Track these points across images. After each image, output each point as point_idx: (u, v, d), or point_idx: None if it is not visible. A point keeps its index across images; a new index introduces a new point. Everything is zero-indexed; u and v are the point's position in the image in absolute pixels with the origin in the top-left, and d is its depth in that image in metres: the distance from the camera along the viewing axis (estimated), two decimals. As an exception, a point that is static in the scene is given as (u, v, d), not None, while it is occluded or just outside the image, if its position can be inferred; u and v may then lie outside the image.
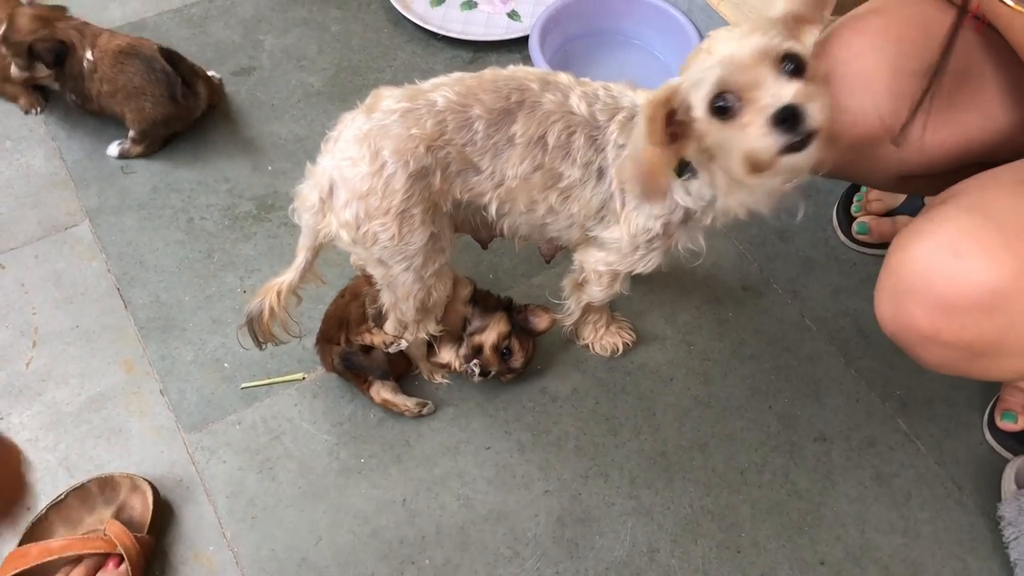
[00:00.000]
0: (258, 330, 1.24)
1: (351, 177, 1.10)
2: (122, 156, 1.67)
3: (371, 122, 1.10)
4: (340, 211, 1.12)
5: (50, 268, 1.52)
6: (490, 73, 1.16)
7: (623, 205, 1.18)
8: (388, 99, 1.12)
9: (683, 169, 1.11)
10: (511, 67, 1.18)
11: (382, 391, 1.34)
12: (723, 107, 0.97)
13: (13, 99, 1.74)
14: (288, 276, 1.24)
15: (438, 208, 1.14)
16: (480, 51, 1.88)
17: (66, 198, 1.61)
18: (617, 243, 1.22)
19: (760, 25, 0.98)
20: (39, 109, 1.73)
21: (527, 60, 1.78)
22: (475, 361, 1.34)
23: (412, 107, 1.10)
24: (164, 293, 1.50)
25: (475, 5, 1.95)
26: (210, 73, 1.75)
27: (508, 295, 1.41)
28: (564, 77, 1.17)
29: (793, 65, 0.96)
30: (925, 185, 1.26)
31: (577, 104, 1.13)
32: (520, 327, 1.38)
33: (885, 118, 1.15)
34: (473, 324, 1.37)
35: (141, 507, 1.25)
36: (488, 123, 1.11)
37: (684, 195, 1.14)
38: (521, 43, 1.86)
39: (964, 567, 1.27)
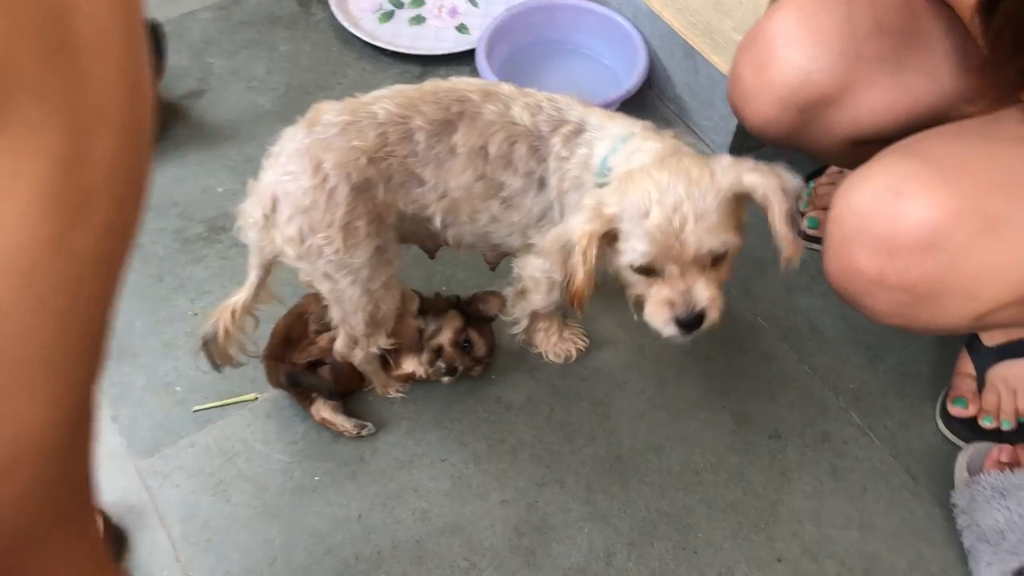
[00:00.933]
0: (214, 352, 1.24)
1: (293, 191, 1.10)
2: None
3: (312, 136, 1.10)
4: (284, 226, 1.12)
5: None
6: (431, 85, 1.16)
7: (562, 215, 1.19)
8: (329, 112, 1.12)
9: None
10: (453, 78, 1.19)
11: (322, 410, 1.33)
12: (642, 268, 1.08)
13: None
14: (241, 295, 1.24)
15: (382, 220, 1.14)
16: (429, 65, 1.89)
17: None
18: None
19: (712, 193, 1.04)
20: None
21: (476, 73, 1.78)
22: (439, 362, 1.35)
23: (353, 120, 1.10)
24: (114, 319, 1.49)
25: (423, 20, 1.96)
26: None
27: (455, 294, 1.41)
28: (507, 88, 1.17)
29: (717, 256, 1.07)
30: (876, 152, 1.28)
31: (519, 114, 1.14)
32: (474, 317, 1.39)
33: (839, 76, 1.16)
34: (428, 330, 1.38)
35: (92, 535, 1.23)
36: (429, 134, 1.12)
37: None
38: (470, 56, 1.86)
39: (919, 557, 1.27)
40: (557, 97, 1.18)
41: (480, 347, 1.38)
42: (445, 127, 1.11)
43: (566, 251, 1.09)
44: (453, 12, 1.97)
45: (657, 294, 1.08)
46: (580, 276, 1.08)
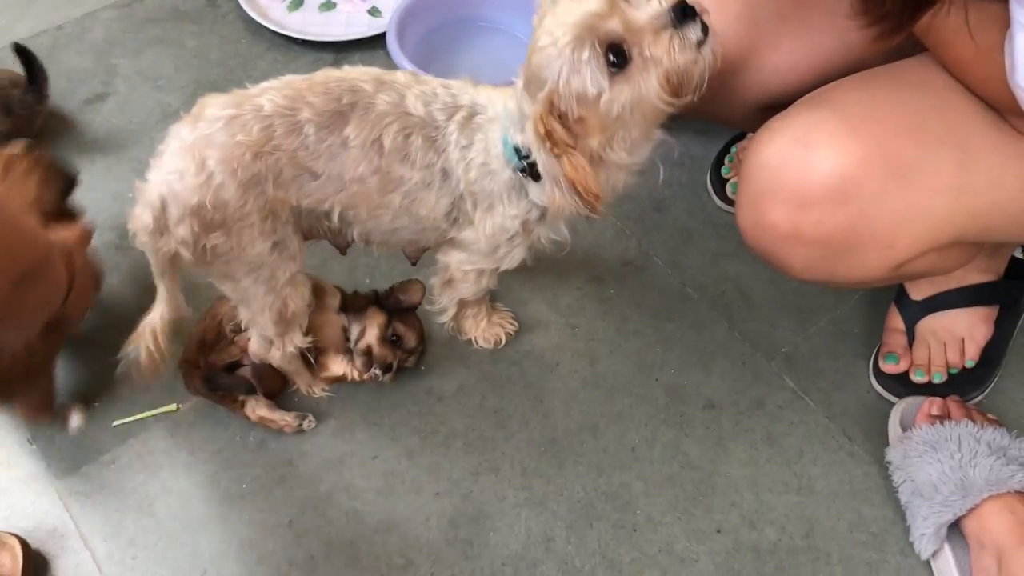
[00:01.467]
0: (139, 374, 1.20)
1: (180, 191, 1.05)
2: None
3: (196, 132, 1.06)
4: (175, 228, 1.08)
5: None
6: (322, 75, 1.12)
7: (475, 206, 1.16)
8: (213, 107, 1.07)
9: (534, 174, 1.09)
10: (346, 67, 1.14)
11: (258, 408, 1.29)
12: (616, 61, 0.96)
13: None
14: (158, 311, 1.19)
15: (277, 216, 1.10)
16: (342, 51, 1.84)
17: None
18: (475, 244, 1.19)
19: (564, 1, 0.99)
20: None
21: (390, 57, 1.73)
22: (373, 367, 1.31)
23: (237, 113, 1.06)
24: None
25: (334, 6, 1.91)
26: None
27: (373, 288, 1.38)
28: (401, 76, 1.13)
29: None
30: None
31: (413, 104, 1.10)
32: (396, 310, 1.35)
33: (742, 39, 1.14)
34: (353, 332, 1.34)
35: (10, 564, 1.19)
36: (319, 126, 1.07)
37: (541, 195, 1.12)
38: (384, 40, 1.81)
39: (859, 517, 1.27)
40: (451, 83, 1.14)
41: (410, 338, 1.35)
42: (336, 119, 1.07)
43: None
44: (364, -4, 1.92)
45: (654, 47, 0.96)
46: (562, 163, 0.98)
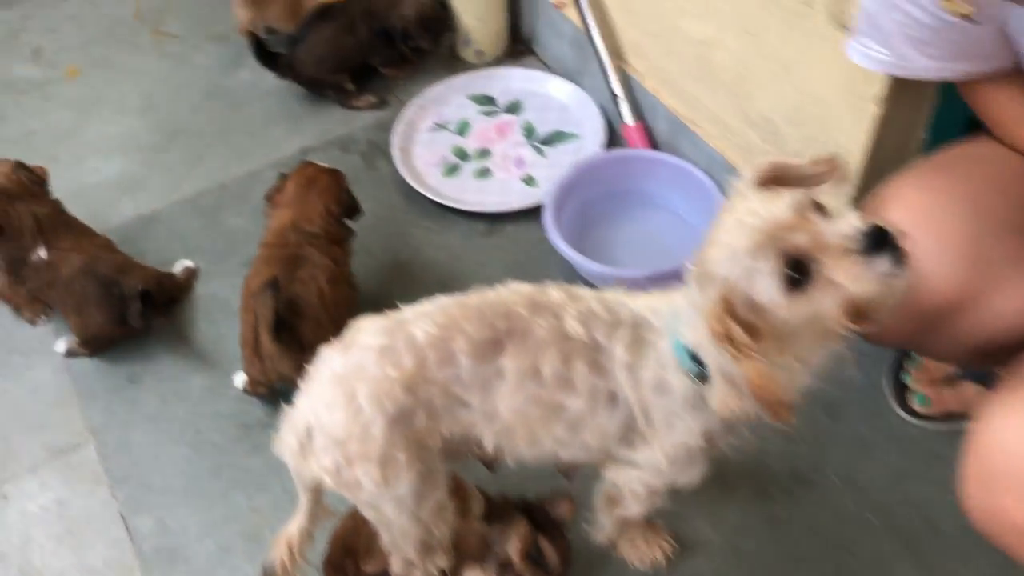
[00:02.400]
0: None
1: (327, 423, 1.03)
2: (69, 354, 1.65)
3: (347, 361, 1.03)
4: (319, 456, 1.05)
5: (53, 497, 1.47)
6: (475, 299, 1.07)
7: (650, 425, 1.07)
8: (366, 333, 1.05)
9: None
10: (499, 288, 1.09)
11: None
12: (796, 278, 0.86)
13: (16, 309, 1.69)
14: (297, 522, 1.17)
15: (425, 446, 1.05)
16: (496, 221, 1.81)
17: (72, 417, 1.56)
18: (652, 463, 1.10)
19: (754, 195, 0.91)
20: (43, 318, 1.69)
21: (543, 230, 1.69)
22: None
23: (390, 344, 1.02)
24: (170, 518, 1.42)
25: (490, 173, 1.89)
26: (185, 264, 1.77)
27: (522, 494, 1.30)
28: (555, 295, 1.07)
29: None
30: (1006, 358, 1.13)
31: (573, 327, 1.03)
32: (544, 524, 1.27)
33: (962, 280, 1.04)
34: (494, 539, 1.26)
35: None
36: (473, 357, 1.02)
37: None
38: (538, 210, 1.78)
39: None
40: (607, 297, 1.07)
41: (552, 558, 1.26)
42: (491, 347, 1.02)
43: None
44: (519, 163, 1.90)
45: (837, 271, 0.85)
46: (742, 366, 0.87)
